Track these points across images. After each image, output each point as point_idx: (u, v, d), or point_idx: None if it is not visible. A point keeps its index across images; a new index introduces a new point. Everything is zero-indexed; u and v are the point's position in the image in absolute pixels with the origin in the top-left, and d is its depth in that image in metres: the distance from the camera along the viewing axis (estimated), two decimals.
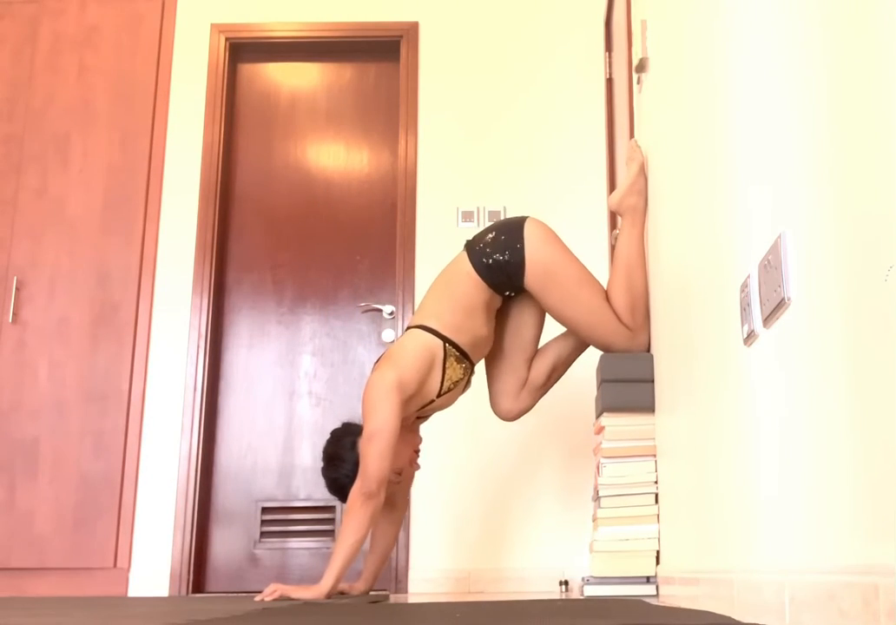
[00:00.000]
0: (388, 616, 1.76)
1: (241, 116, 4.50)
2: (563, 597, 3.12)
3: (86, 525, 3.92)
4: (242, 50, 4.52)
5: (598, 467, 2.76)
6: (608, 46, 4.04)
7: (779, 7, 1.39)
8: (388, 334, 4.18)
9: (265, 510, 4.06)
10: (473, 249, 2.83)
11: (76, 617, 1.82)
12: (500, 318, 2.96)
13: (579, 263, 2.85)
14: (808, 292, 1.26)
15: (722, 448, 1.78)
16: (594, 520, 2.78)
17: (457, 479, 3.92)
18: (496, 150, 4.27)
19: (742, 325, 1.55)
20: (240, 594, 3.80)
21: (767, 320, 1.42)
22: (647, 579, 2.60)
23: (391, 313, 4.19)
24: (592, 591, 2.63)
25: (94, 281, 4.17)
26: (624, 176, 3.00)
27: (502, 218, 4.16)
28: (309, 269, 4.30)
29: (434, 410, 2.90)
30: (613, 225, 3.64)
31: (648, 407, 2.67)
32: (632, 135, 3.13)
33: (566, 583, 3.61)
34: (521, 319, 2.95)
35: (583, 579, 2.70)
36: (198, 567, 3.97)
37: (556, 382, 3.03)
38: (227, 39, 4.45)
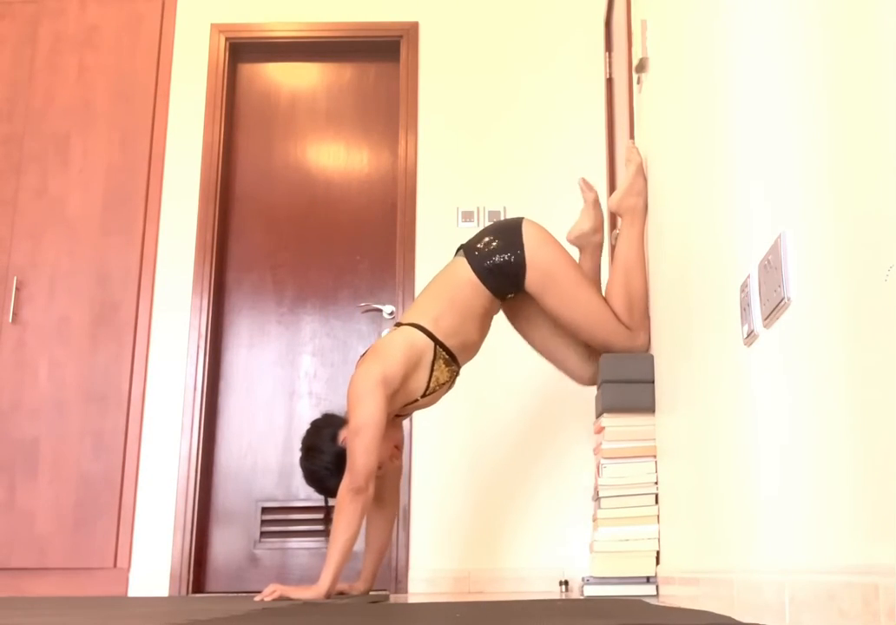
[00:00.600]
0: (388, 616, 1.76)
1: (241, 116, 4.49)
2: (563, 597, 3.12)
3: (86, 525, 3.92)
4: (242, 50, 4.52)
5: (598, 468, 2.76)
6: (608, 46, 4.04)
7: (778, 7, 1.39)
8: None
9: (265, 510, 4.06)
10: (472, 254, 2.83)
11: (76, 617, 1.82)
12: (523, 312, 2.95)
13: (577, 265, 2.87)
14: (808, 292, 1.26)
15: (722, 448, 1.77)
16: (594, 520, 2.78)
17: (457, 479, 3.92)
18: (496, 150, 4.27)
19: (742, 325, 1.55)
20: (240, 594, 3.80)
21: (767, 320, 1.42)
22: (647, 579, 2.60)
23: (391, 313, 4.19)
24: (592, 591, 2.63)
25: (94, 281, 4.17)
26: (623, 177, 3.00)
27: (502, 218, 4.17)
28: (309, 269, 4.30)
29: (416, 409, 2.91)
30: (613, 225, 3.64)
31: (649, 407, 2.68)
32: (632, 135, 3.13)
33: (566, 583, 3.61)
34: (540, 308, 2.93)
35: (583, 579, 2.70)
36: (198, 567, 3.97)
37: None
38: (227, 39, 4.44)
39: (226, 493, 4.09)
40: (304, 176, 4.41)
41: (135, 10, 4.46)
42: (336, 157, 4.44)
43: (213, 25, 4.45)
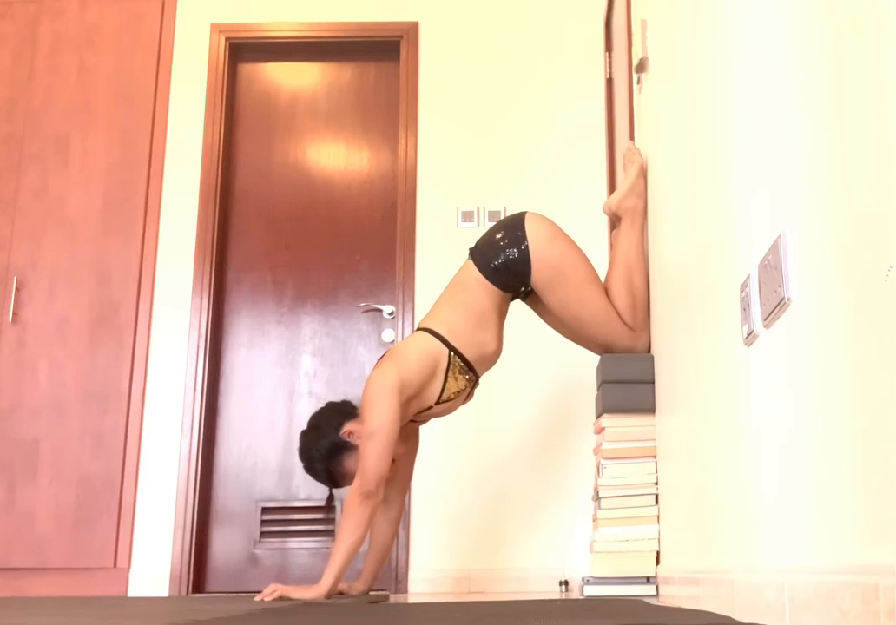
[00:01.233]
0: (388, 616, 1.76)
1: (241, 116, 4.50)
2: (563, 597, 3.12)
3: (86, 525, 3.92)
4: (242, 50, 4.52)
5: (598, 468, 2.76)
6: (608, 46, 4.04)
7: (778, 7, 1.39)
8: (388, 334, 4.18)
9: (265, 510, 4.06)
10: (478, 254, 2.84)
11: (76, 617, 1.82)
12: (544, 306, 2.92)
13: (585, 261, 2.84)
14: (808, 292, 1.26)
15: (722, 449, 1.77)
16: (594, 520, 2.78)
17: (457, 478, 3.92)
18: (496, 150, 4.27)
19: (742, 325, 1.55)
20: (240, 594, 3.80)
21: (767, 320, 1.42)
22: (647, 580, 2.60)
23: (391, 313, 4.19)
24: (592, 591, 2.63)
25: (94, 281, 4.17)
26: (622, 178, 3.00)
27: (502, 218, 4.16)
28: (309, 269, 4.30)
29: (432, 417, 2.90)
30: (614, 225, 3.64)
31: (649, 408, 2.68)
32: (632, 135, 3.13)
33: (566, 583, 3.61)
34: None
35: (583, 579, 2.70)
36: (198, 567, 3.97)
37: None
38: (227, 39, 4.44)
39: (226, 493, 4.09)
40: (304, 176, 4.41)
41: (135, 10, 4.46)
42: (336, 157, 4.44)
43: (213, 25, 4.45)
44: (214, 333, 4.19)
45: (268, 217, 4.37)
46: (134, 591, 3.87)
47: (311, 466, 2.80)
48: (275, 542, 4.04)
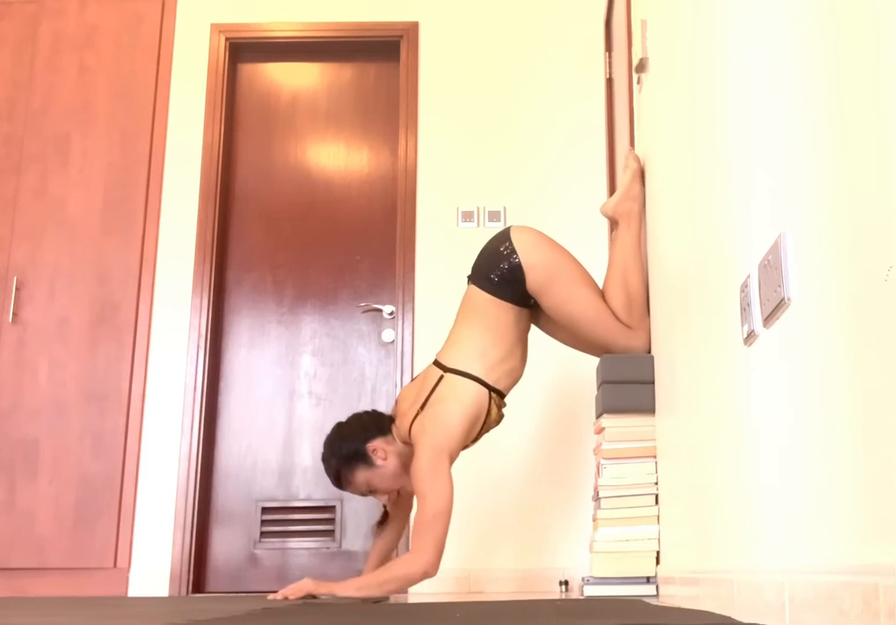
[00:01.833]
0: (388, 616, 1.76)
1: (241, 116, 4.50)
2: (563, 597, 3.12)
3: (86, 525, 3.92)
4: (242, 50, 4.52)
5: (598, 468, 2.76)
6: (608, 46, 4.04)
7: (779, 7, 1.39)
8: (388, 334, 4.17)
9: (265, 510, 4.06)
10: (477, 277, 2.83)
11: (76, 617, 1.82)
12: (543, 314, 2.90)
13: (575, 263, 2.85)
14: (808, 292, 1.26)
15: (722, 449, 1.77)
16: (594, 520, 2.78)
17: (456, 479, 3.91)
18: (496, 150, 4.27)
19: (742, 325, 1.55)
20: (240, 594, 3.80)
21: (767, 320, 1.42)
22: (647, 580, 2.60)
23: (391, 313, 4.19)
24: (592, 591, 2.63)
25: (94, 281, 4.17)
26: (620, 181, 3.02)
27: (502, 218, 4.18)
28: (309, 269, 4.30)
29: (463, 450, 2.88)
30: (613, 226, 3.64)
31: (649, 408, 2.67)
32: (632, 135, 3.13)
33: (566, 583, 3.61)
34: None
35: (583, 579, 2.70)
36: (198, 567, 3.97)
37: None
38: (227, 39, 4.44)
39: (226, 493, 4.09)
40: (304, 176, 4.41)
41: (135, 10, 4.46)
42: (336, 157, 4.44)
43: (213, 25, 4.45)
44: (214, 333, 4.19)
45: (268, 217, 4.37)
46: (134, 591, 3.87)
47: (326, 459, 2.82)
48: (275, 542, 4.04)
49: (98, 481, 3.96)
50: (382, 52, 4.47)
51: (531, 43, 4.36)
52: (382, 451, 2.76)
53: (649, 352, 2.80)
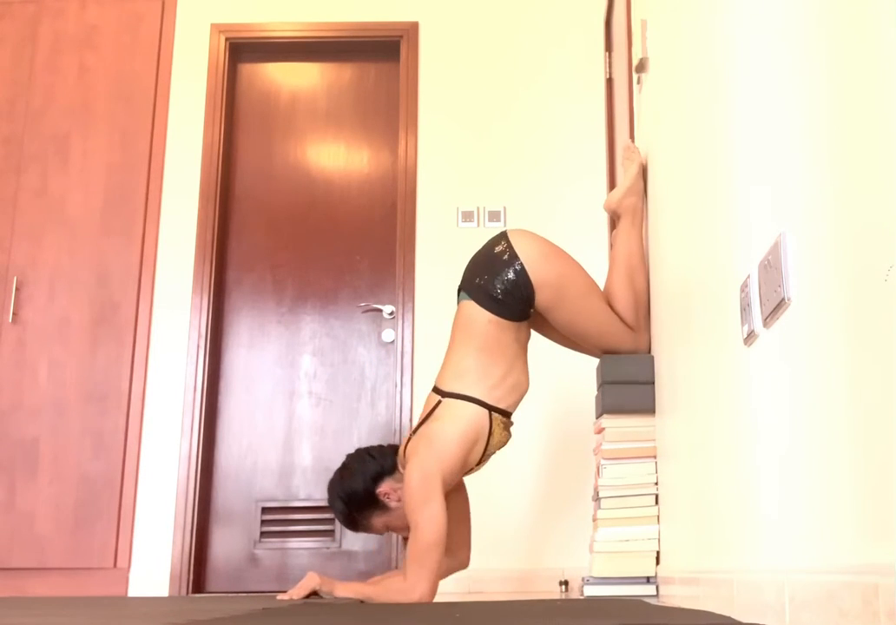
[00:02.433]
0: (388, 616, 1.76)
1: (241, 116, 4.50)
2: (563, 597, 3.12)
3: (86, 525, 3.92)
4: (242, 50, 4.52)
5: (598, 468, 2.76)
6: (608, 46, 4.04)
7: (779, 7, 1.39)
8: (388, 334, 4.17)
9: (265, 510, 4.06)
10: (476, 291, 2.62)
11: (76, 617, 1.82)
12: (539, 317, 2.78)
13: (582, 271, 2.72)
14: (808, 292, 1.26)
15: (722, 449, 1.77)
16: (594, 520, 2.78)
17: None
18: (496, 149, 4.27)
19: (742, 325, 1.55)
20: (240, 594, 3.80)
21: (767, 320, 1.42)
22: (647, 580, 2.60)
23: (391, 313, 4.19)
24: (592, 591, 2.62)
25: (94, 281, 4.17)
26: (622, 176, 2.99)
27: (502, 218, 4.17)
28: (309, 269, 4.30)
29: (467, 475, 2.76)
30: (614, 224, 3.64)
31: (649, 408, 2.67)
32: (632, 135, 3.13)
33: (566, 583, 3.61)
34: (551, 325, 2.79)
35: (583, 579, 2.70)
36: (198, 567, 3.97)
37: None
38: (227, 39, 4.45)
39: (226, 493, 4.09)
40: (304, 176, 4.41)
41: (135, 10, 4.46)
42: (336, 157, 4.44)
43: (213, 25, 4.45)
44: (214, 333, 4.19)
45: (268, 217, 4.37)
46: (134, 591, 3.87)
47: (337, 507, 2.67)
48: (275, 542, 4.04)
49: (98, 481, 3.96)
50: (382, 52, 4.47)
51: (531, 43, 4.36)
52: (394, 492, 2.61)
53: (649, 352, 2.80)
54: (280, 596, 2.61)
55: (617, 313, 2.74)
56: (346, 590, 2.55)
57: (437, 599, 2.53)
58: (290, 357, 4.21)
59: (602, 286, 2.82)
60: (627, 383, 2.69)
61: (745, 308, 1.53)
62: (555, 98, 4.30)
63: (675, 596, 2.25)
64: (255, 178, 4.42)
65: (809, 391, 1.25)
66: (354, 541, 4.01)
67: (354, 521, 2.68)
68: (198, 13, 4.47)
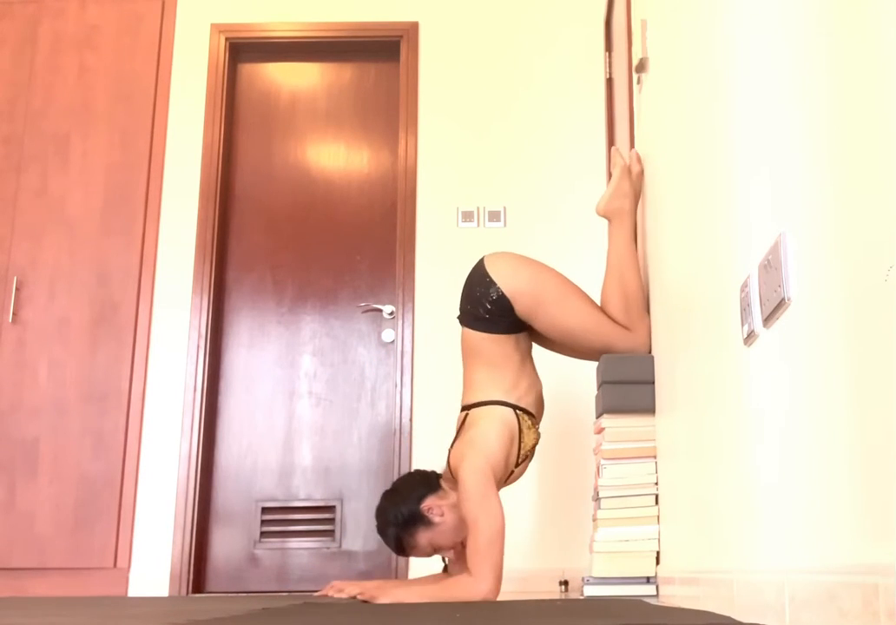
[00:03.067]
0: (388, 616, 1.76)
1: (241, 116, 4.50)
2: (563, 597, 3.12)
3: (86, 525, 3.92)
4: (242, 50, 4.52)
5: (598, 468, 2.76)
6: (608, 46, 4.04)
7: (779, 7, 1.39)
8: (388, 334, 4.17)
9: (265, 510, 4.06)
10: (465, 318, 2.81)
11: (76, 617, 1.82)
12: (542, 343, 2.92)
13: (558, 276, 2.83)
14: (808, 292, 1.26)
15: (722, 449, 1.78)
16: (594, 520, 2.78)
17: None
18: (496, 150, 4.27)
19: (742, 325, 1.55)
20: (240, 594, 3.80)
21: (767, 320, 1.42)
22: (647, 580, 2.60)
23: (391, 313, 4.19)
24: (592, 591, 2.62)
25: (94, 281, 4.17)
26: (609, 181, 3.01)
27: (502, 218, 4.18)
28: (309, 269, 4.30)
29: (509, 483, 2.82)
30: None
31: (649, 408, 2.67)
32: (632, 135, 3.13)
33: (566, 583, 3.61)
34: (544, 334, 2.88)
35: (583, 579, 2.70)
36: (198, 567, 3.97)
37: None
38: (227, 39, 4.44)
39: (226, 493, 4.09)
40: (304, 176, 4.41)
41: (135, 10, 4.46)
42: (336, 157, 4.44)
43: (213, 25, 4.45)
44: (214, 333, 4.19)
45: (268, 217, 4.37)
46: (134, 591, 3.87)
47: (383, 529, 2.70)
48: (275, 542, 4.04)
49: (98, 481, 3.96)
50: (382, 52, 4.47)
51: (531, 43, 4.36)
52: (437, 507, 2.65)
53: (649, 352, 2.80)
54: (318, 593, 2.62)
55: (609, 314, 2.79)
56: (398, 595, 2.51)
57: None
58: (290, 357, 4.21)
59: (590, 291, 2.88)
60: (627, 383, 2.69)
61: (745, 308, 1.53)
62: (555, 98, 4.30)
63: (675, 596, 2.25)
64: (255, 178, 4.42)
65: (809, 391, 1.25)
66: (354, 541, 4.02)
67: (401, 542, 2.69)
68: (198, 13, 4.47)
